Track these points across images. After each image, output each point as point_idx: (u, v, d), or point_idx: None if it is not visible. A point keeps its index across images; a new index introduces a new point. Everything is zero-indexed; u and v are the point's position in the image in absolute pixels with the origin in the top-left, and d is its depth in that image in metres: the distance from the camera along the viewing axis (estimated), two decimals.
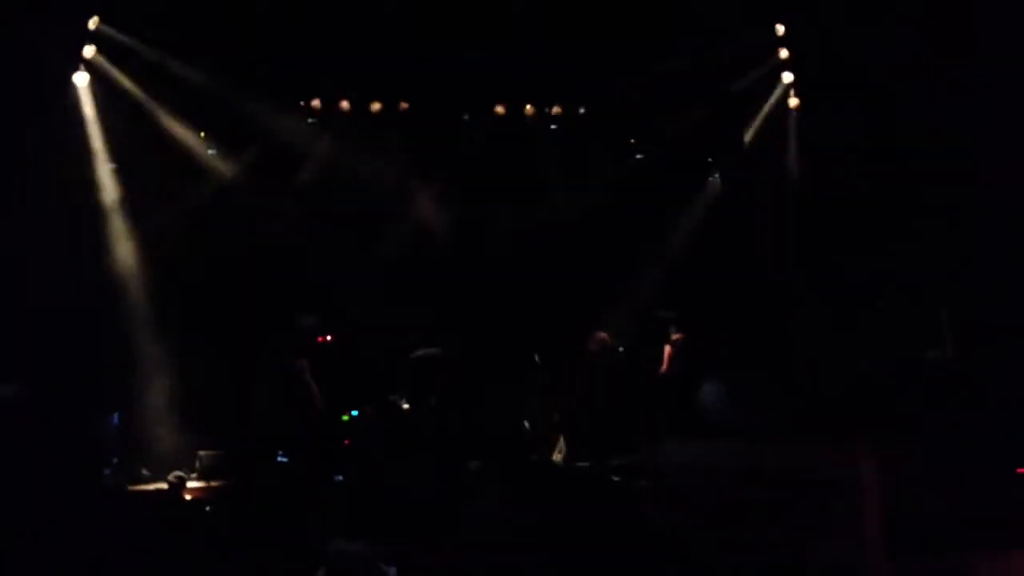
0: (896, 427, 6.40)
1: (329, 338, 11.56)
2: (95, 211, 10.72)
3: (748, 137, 12.21)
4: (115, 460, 9.80)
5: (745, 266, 11.50)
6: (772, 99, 12.18)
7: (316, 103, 11.65)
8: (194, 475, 8.97)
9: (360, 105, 11.77)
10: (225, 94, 10.95)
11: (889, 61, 10.26)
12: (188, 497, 8.21)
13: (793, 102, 12.13)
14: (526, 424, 11.17)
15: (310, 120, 11.82)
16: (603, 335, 11.00)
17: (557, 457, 9.67)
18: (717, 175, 12.50)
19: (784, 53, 11.80)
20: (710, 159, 12.45)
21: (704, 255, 12.05)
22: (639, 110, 12.23)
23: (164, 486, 8.55)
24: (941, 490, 5.15)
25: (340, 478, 8.71)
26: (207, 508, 7.35)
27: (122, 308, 10.71)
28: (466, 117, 12.35)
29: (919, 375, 8.37)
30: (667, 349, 10.90)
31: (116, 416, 10.31)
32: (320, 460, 9.19)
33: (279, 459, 10.05)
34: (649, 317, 11.57)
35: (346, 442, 10.55)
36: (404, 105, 11.86)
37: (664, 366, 10.90)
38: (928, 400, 7.01)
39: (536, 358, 10.79)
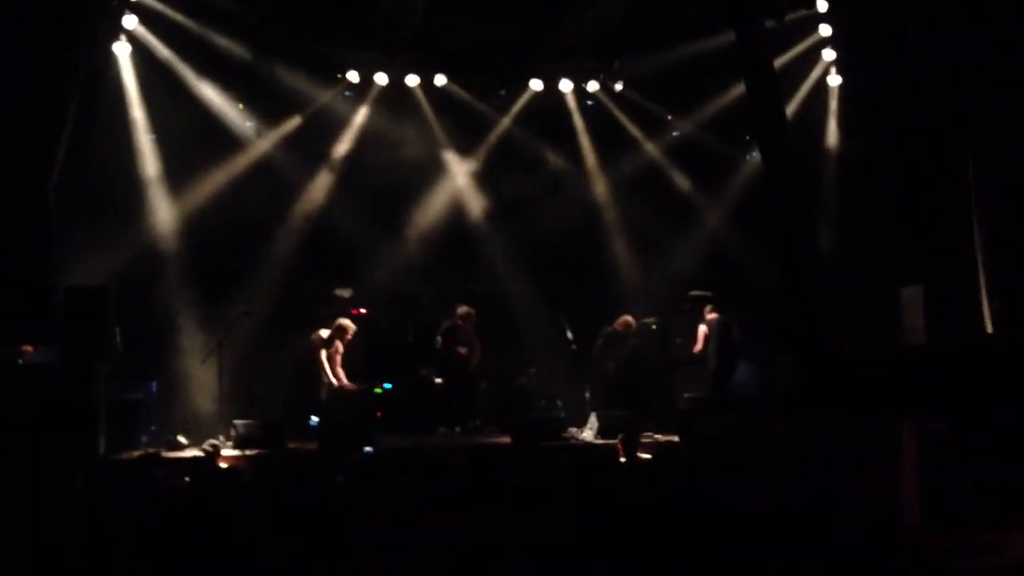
0: (934, 403, 6.36)
1: (364, 311, 11.66)
2: (135, 181, 10.83)
3: (789, 113, 12.06)
4: (153, 427, 9.95)
5: (781, 244, 11.41)
6: (813, 75, 12.06)
7: (354, 76, 11.65)
8: (229, 443, 9.06)
9: (396, 79, 11.77)
10: (264, 66, 10.98)
11: (931, 38, 10.10)
12: (223, 465, 8.30)
13: (834, 80, 12.01)
14: (558, 402, 11.22)
15: (347, 93, 11.80)
16: (628, 318, 11.00)
17: (588, 435, 9.68)
18: (756, 152, 12.36)
19: (826, 30, 11.64)
20: (748, 136, 12.31)
21: (741, 233, 11.99)
22: (677, 86, 12.10)
23: (200, 454, 8.66)
24: (977, 465, 5.13)
25: (368, 450, 8.76)
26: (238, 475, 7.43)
27: (161, 277, 10.83)
28: (503, 92, 12.31)
29: (958, 352, 8.32)
30: (701, 329, 10.87)
31: (154, 384, 10.47)
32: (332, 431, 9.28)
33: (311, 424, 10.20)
34: (683, 296, 11.55)
35: (378, 414, 10.65)
36: (441, 80, 11.85)
37: (699, 345, 10.86)
38: (967, 377, 6.95)
39: (569, 336, 10.81)
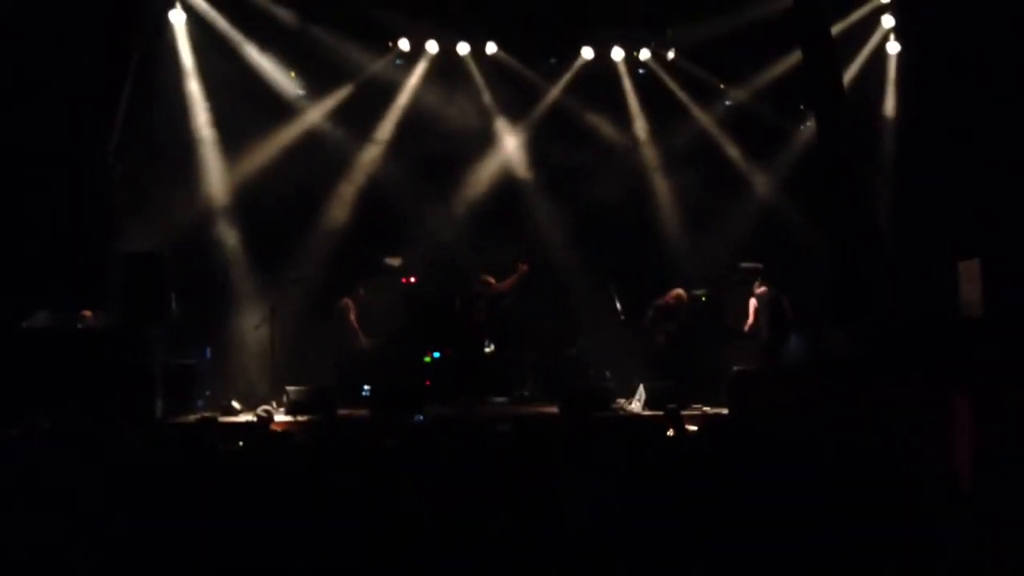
0: (988, 373, 6.31)
1: (413, 279, 11.75)
2: (190, 147, 10.98)
3: (846, 80, 11.86)
4: (207, 392, 10.14)
5: (833, 214, 11.29)
6: (872, 43, 11.84)
7: (405, 45, 11.65)
8: (282, 410, 9.21)
9: (447, 47, 11.75)
10: (314, 34, 11.03)
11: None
12: (276, 430, 8.44)
13: (893, 47, 11.78)
14: (607, 373, 11.22)
15: (398, 61, 11.81)
16: (679, 291, 10.95)
17: (636, 406, 9.68)
18: (811, 121, 12.17)
19: None
20: (803, 105, 12.12)
21: (793, 203, 11.85)
22: (730, 54, 11.93)
23: (253, 419, 8.82)
24: None
25: (419, 417, 8.86)
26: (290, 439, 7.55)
27: (215, 243, 11.01)
28: (553, 60, 12.24)
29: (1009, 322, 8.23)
30: (752, 303, 10.79)
31: (208, 350, 10.66)
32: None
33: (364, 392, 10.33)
34: (733, 268, 11.44)
35: (427, 383, 10.74)
36: (492, 48, 11.80)
37: (750, 320, 10.79)
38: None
39: (618, 306, 10.79)
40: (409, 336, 11.11)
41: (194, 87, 10.94)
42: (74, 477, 5.69)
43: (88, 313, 9.95)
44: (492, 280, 11.19)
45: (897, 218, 11.03)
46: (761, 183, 12.31)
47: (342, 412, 9.37)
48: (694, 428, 7.64)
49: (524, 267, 11.17)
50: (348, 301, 10.86)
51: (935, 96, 10.95)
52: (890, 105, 11.92)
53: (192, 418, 8.52)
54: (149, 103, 10.45)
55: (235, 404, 9.54)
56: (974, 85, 10.41)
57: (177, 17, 10.65)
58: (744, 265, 11.18)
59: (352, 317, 10.80)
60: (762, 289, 10.68)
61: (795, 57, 11.54)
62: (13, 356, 8.67)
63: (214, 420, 8.01)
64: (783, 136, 12.35)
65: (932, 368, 6.60)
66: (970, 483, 5.00)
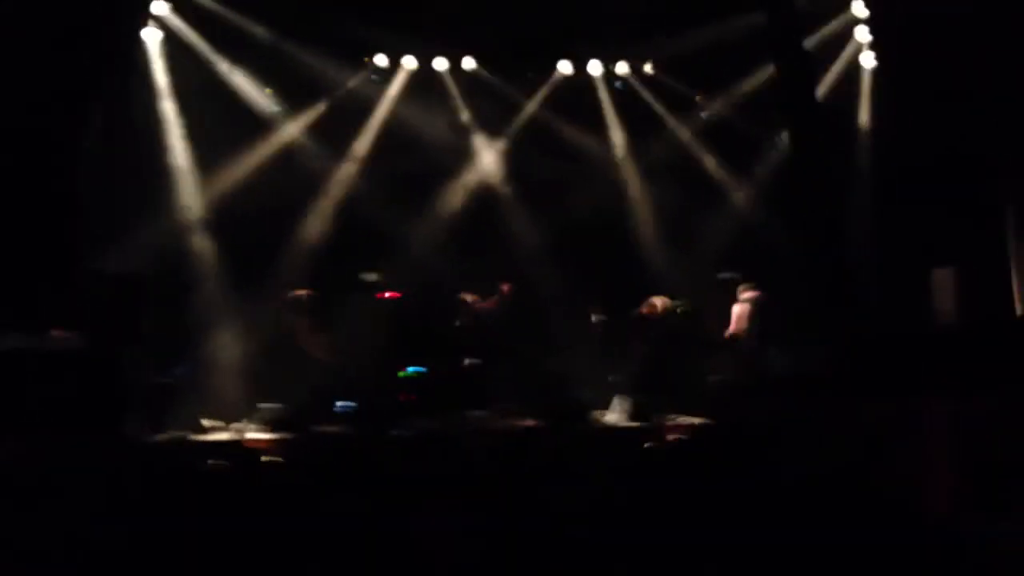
0: (963, 384, 6.31)
1: (390, 294, 11.66)
2: (164, 165, 10.90)
3: (820, 94, 11.92)
4: (181, 412, 10.00)
5: (810, 227, 11.32)
6: (845, 55, 11.89)
7: (382, 60, 11.63)
8: (254, 427, 9.10)
9: (424, 62, 11.73)
10: (289, 49, 11.00)
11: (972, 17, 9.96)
12: (249, 448, 8.34)
13: (868, 60, 11.83)
14: (584, 386, 11.14)
15: (374, 77, 11.79)
16: (654, 300, 10.88)
17: (612, 418, 9.63)
18: (784, 133, 12.20)
19: (860, 9, 11.46)
20: (779, 117, 12.16)
21: (770, 215, 11.86)
22: (707, 67, 11.96)
23: (225, 437, 8.71)
24: (1008, 446, 5.06)
25: (396, 432, 8.77)
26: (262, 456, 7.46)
27: (190, 262, 10.91)
28: (530, 74, 12.24)
29: (989, 334, 8.24)
30: (738, 308, 10.73)
31: (183, 368, 10.53)
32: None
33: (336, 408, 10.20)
34: (712, 279, 11.42)
35: (409, 397, 10.64)
36: (469, 63, 11.79)
37: (732, 327, 10.73)
38: (996, 357, 6.86)
39: (595, 319, 10.73)
40: (388, 351, 11.01)
41: (167, 104, 10.87)
42: (43, 493, 5.60)
43: (59, 333, 9.81)
44: (473, 299, 11.12)
45: (874, 229, 11.05)
46: (739, 195, 12.34)
47: (317, 429, 9.26)
48: (672, 437, 7.61)
49: (506, 288, 11.11)
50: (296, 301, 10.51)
51: (908, 108, 11.00)
52: (865, 117, 11.96)
53: (163, 438, 8.41)
54: (121, 119, 10.38)
55: (208, 422, 9.42)
56: (949, 97, 10.48)
57: (151, 35, 10.58)
58: (722, 275, 11.16)
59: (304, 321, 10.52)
60: (752, 293, 10.64)
61: (771, 68, 11.69)
62: None
63: (184, 439, 7.91)
64: (760, 147, 12.38)
65: (908, 379, 6.61)
66: (948, 493, 4.98)
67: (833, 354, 8.50)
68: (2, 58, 9.32)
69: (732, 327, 10.74)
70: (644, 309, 10.89)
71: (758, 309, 10.52)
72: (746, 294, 10.69)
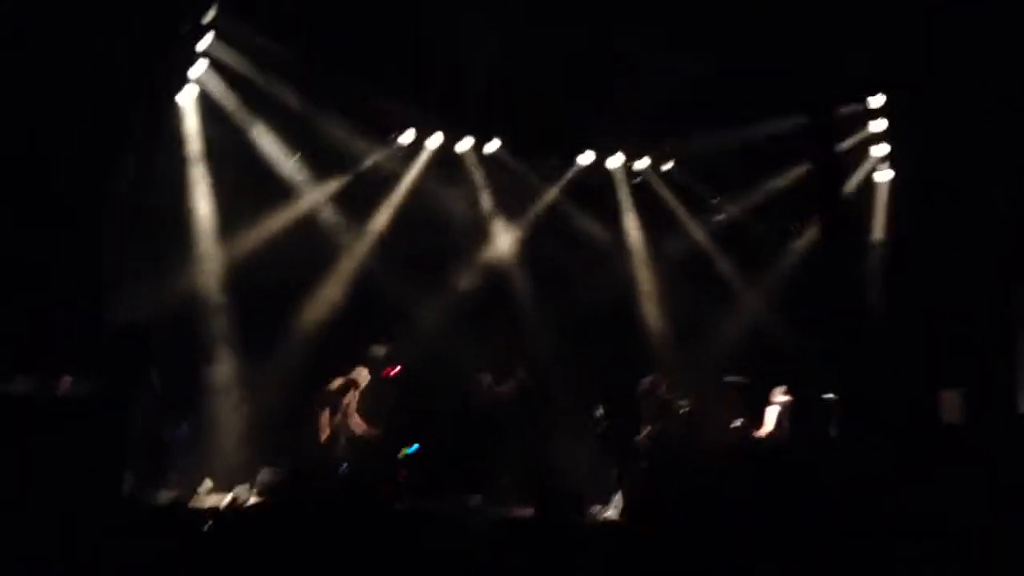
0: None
1: (397, 369, 11.67)
2: (185, 222, 11.02)
3: (843, 197, 12.09)
4: (181, 469, 9.98)
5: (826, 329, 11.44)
6: (866, 166, 12.09)
7: (408, 136, 11.83)
8: (254, 491, 9.08)
9: (449, 142, 11.96)
10: (318, 119, 11.19)
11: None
12: (243, 511, 8.31)
13: (885, 173, 12.01)
14: (584, 478, 11.07)
15: (399, 153, 11.98)
16: (650, 378, 10.79)
17: (612, 513, 9.58)
18: (802, 234, 12.36)
19: (880, 124, 11.70)
20: (798, 218, 12.31)
21: (781, 320, 11.94)
22: (727, 168, 12.17)
23: (226, 499, 8.69)
24: None
25: (393, 507, 8.73)
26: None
27: (202, 319, 10.97)
28: (552, 162, 12.43)
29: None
30: (771, 411, 10.70)
31: (186, 425, 10.52)
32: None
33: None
34: (718, 381, 11.42)
35: (404, 474, 10.58)
36: (494, 146, 12.02)
37: (766, 428, 10.66)
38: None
39: (599, 412, 10.73)
40: (393, 426, 10.99)
41: (196, 160, 11.01)
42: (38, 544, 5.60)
43: (67, 379, 9.85)
44: (488, 380, 11.07)
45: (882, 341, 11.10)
46: (751, 297, 12.42)
47: (316, 493, 9.22)
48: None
49: (522, 374, 11.11)
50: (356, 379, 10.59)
51: (926, 219, 11.16)
52: (879, 226, 12.09)
53: (162, 497, 8.39)
54: (150, 171, 10.54)
55: (207, 483, 9.41)
56: (965, 209, 10.67)
57: (187, 97, 10.78)
58: (729, 379, 11.17)
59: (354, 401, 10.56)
60: (786, 397, 10.65)
61: (791, 174, 11.90)
62: None
63: (182, 500, 7.89)
64: (775, 252, 12.50)
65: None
66: None
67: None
68: (32, 105, 9.54)
69: (764, 429, 10.71)
70: (642, 387, 10.79)
71: (787, 414, 10.54)
72: (779, 397, 10.71)
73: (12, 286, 9.65)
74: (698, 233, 12.61)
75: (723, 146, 11.56)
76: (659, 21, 10.37)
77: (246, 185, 11.06)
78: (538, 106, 11.42)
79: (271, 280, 10.94)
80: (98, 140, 9.83)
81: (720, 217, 12.75)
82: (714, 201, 12.66)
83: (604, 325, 12.01)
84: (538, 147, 12.18)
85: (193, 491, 9.11)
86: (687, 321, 12.15)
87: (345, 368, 10.79)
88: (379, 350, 11.46)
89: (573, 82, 11.01)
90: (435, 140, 11.93)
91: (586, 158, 12.33)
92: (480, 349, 11.66)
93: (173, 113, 10.71)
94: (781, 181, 12.06)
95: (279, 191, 11.44)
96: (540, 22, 10.34)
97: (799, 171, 11.80)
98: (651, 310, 12.42)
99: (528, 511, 9.44)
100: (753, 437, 10.68)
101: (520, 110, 11.54)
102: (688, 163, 12.47)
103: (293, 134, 11.37)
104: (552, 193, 12.43)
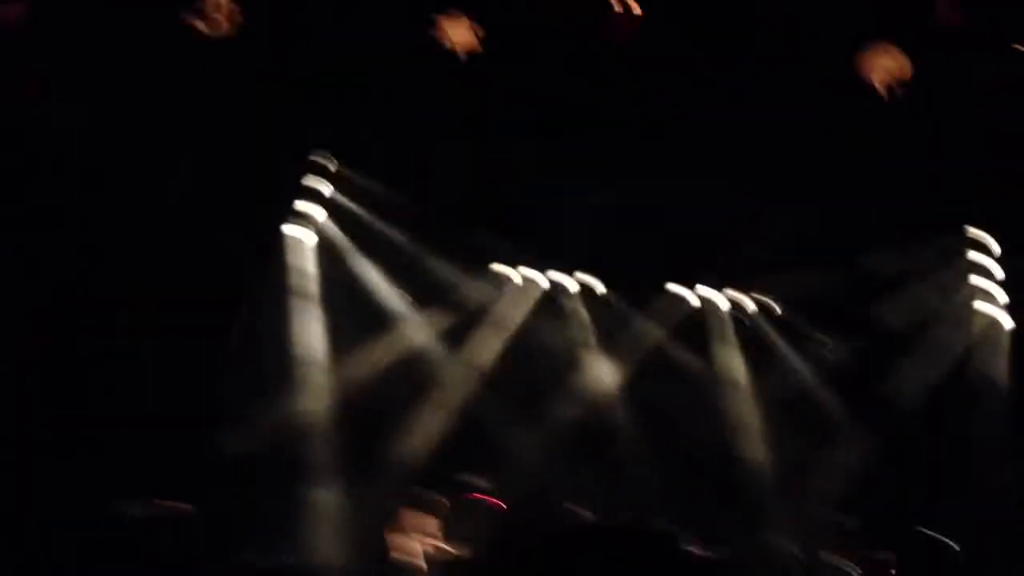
0: None
1: (497, 503, 11.65)
2: (295, 355, 11.47)
3: None
4: None
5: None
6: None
7: (513, 273, 12.12)
8: None
9: (554, 279, 12.21)
10: (425, 258, 11.63)
11: None
12: None
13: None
14: None
15: (502, 288, 12.28)
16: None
17: None
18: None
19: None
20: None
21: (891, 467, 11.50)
22: (837, 309, 11.97)
23: None
24: None
25: None
26: None
27: (305, 450, 11.29)
28: (658, 304, 12.46)
29: None
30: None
31: (286, 555, 10.69)
32: None
33: None
34: (827, 524, 10.99)
35: None
36: (599, 287, 12.23)
37: None
38: None
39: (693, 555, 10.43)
40: (490, 564, 10.91)
41: (310, 295, 11.53)
42: None
43: (179, 506, 10.21)
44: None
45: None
46: (859, 440, 12.02)
47: None
48: None
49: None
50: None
51: None
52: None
53: None
54: (265, 307, 11.08)
55: None
56: None
57: (298, 232, 11.37)
58: (841, 522, 10.71)
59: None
60: (888, 558, 10.20)
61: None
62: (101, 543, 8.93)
63: None
64: (884, 396, 12.12)
65: None
66: None
67: None
68: (163, 239, 10.26)
69: None
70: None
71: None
72: (881, 557, 10.25)
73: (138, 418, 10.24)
74: (806, 373, 12.38)
75: (837, 287, 11.45)
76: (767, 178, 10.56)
77: (352, 317, 11.45)
78: (642, 246, 11.61)
79: (373, 412, 11.22)
80: (214, 274, 10.49)
81: (830, 356, 12.47)
82: (822, 341, 12.41)
83: (703, 465, 11.78)
84: (641, 286, 12.29)
85: None
86: (793, 464, 11.83)
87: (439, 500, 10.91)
88: (478, 482, 11.52)
89: (679, 232, 11.22)
90: (540, 278, 12.20)
91: (690, 297, 12.35)
92: (580, 487, 11.55)
93: (284, 249, 11.29)
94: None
95: (384, 324, 11.81)
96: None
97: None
98: (756, 449, 12.15)
99: None
100: None
101: (625, 250, 11.75)
102: (796, 303, 12.33)
103: (401, 271, 11.80)
104: (655, 331, 12.44)
